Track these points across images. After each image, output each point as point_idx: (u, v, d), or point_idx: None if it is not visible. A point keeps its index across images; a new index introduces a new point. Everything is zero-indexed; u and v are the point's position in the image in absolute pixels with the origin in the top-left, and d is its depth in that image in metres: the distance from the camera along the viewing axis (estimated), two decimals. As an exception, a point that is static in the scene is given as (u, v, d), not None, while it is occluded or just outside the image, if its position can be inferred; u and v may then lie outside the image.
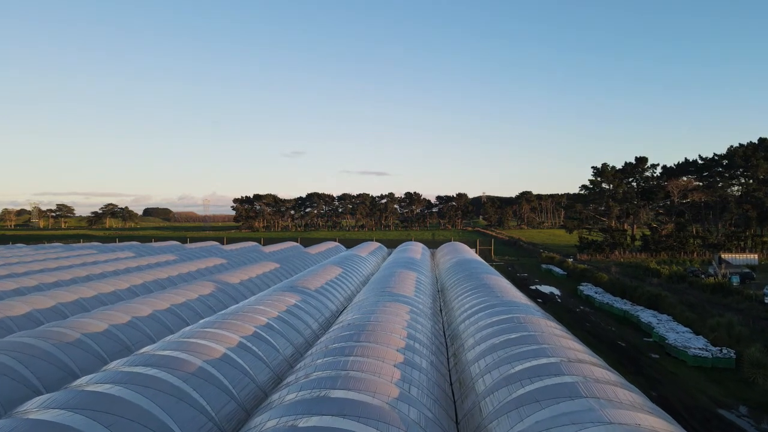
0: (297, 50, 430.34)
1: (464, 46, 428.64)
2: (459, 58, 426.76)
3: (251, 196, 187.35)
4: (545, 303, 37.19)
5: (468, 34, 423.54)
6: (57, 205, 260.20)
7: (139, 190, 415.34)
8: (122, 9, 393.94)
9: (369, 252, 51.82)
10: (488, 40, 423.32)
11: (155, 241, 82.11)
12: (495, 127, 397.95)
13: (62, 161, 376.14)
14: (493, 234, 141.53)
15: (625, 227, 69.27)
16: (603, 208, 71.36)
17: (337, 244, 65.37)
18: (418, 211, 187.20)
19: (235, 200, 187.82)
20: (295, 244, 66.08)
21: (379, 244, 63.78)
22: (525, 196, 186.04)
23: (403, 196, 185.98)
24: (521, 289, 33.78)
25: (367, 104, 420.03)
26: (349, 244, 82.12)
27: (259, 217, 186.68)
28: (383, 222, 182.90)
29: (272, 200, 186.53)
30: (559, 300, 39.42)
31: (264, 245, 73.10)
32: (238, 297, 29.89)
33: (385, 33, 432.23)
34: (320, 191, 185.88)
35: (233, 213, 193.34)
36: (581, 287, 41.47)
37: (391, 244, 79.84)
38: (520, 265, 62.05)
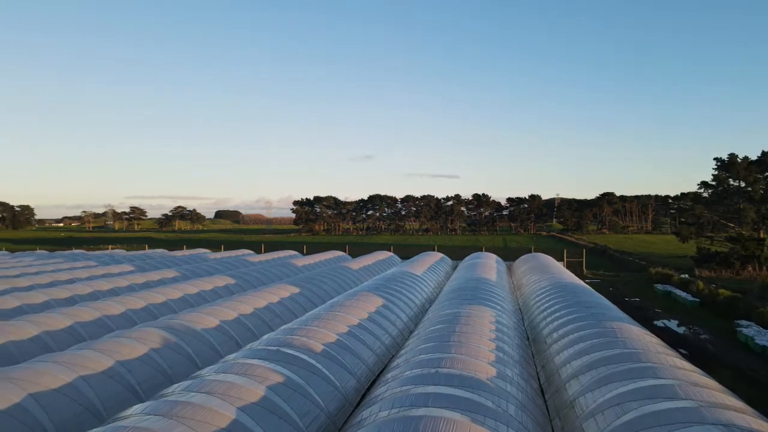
0: (373, 55, 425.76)
1: (531, 39, 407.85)
2: (527, 52, 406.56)
3: (311, 198, 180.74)
4: (694, 358, 23.06)
5: (535, 27, 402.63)
6: (131, 207, 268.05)
7: (218, 193, 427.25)
8: (207, 15, 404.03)
9: (427, 267, 40.34)
10: (555, 30, 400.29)
11: (223, 247, 75.17)
12: (569, 123, 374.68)
13: (152, 166, 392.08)
14: (572, 239, 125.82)
15: (761, 235, 53.63)
16: (730, 211, 55.91)
17: (390, 255, 54.36)
18: (486, 214, 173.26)
19: (295, 202, 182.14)
20: (339, 254, 55.65)
21: (441, 255, 52.13)
22: (607, 197, 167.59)
23: (470, 198, 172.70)
24: (644, 327, 21.14)
25: (438, 106, 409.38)
26: (408, 251, 70.99)
27: (319, 220, 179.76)
28: (449, 225, 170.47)
29: (332, 202, 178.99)
30: (711, 348, 25.41)
31: (306, 254, 63.25)
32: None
33: (452, 34, 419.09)
34: (388, 194, 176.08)
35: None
36: (743, 329, 27.37)
37: (457, 252, 67.96)
38: (622, 283, 48.32)
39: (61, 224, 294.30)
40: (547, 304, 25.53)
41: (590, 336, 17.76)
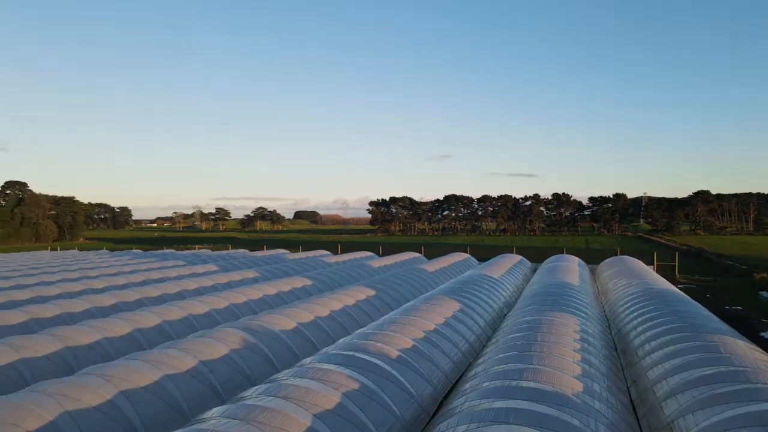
0: (452, 54, 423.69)
1: (616, 29, 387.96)
2: (609, 44, 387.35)
3: (387, 199, 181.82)
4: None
5: (621, 18, 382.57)
6: (216, 208, 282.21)
7: (297, 193, 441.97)
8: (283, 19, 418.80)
9: (505, 270, 39.13)
10: (643, 17, 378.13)
11: (301, 248, 78.04)
12: (656, 116, 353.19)
13: (236, 168, 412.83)
14: (662, 241, 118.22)
15: None
16: None
17: (466, 256, 53.33)
18: (567, 214, 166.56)
19: (371, 203, 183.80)
20: (414, 255, 55.30)
21: (519, 257, 50.49)
22: (701, 196, 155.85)
23: (549, 198, 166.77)
24: (749, 340, 19.10)
25: (516, 104, 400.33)
26: (485, 253, 69.54)
27: (394, 220, 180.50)
28: (527, 226, 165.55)
29: (408, 203, 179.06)
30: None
31: (381, 255, 63.43)
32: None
33: (527, 30, 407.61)
34: (464, 194, 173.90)
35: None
36: None
37: (536, 254, 65.70)
38: (720, 289, 44.57)
39: (155, 224, 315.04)
40: (637, 312, 23.84)
41: (689, 350, 16.27)
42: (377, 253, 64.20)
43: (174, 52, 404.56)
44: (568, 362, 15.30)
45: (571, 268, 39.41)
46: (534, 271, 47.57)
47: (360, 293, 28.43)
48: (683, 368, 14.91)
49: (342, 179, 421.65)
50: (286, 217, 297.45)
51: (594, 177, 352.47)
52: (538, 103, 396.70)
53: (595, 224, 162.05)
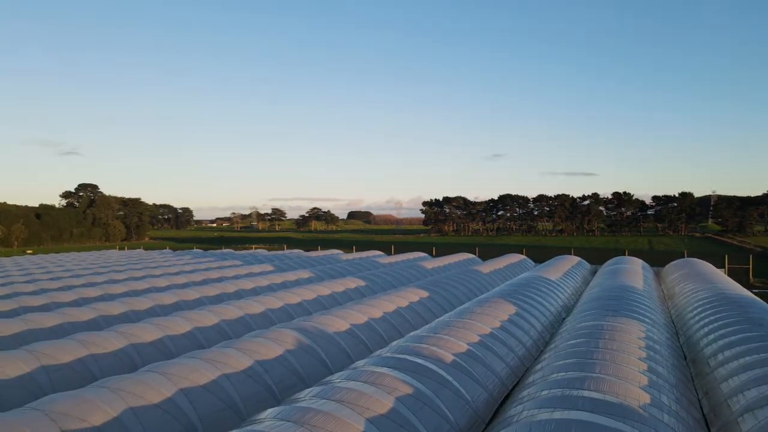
0: (506, 52, 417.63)
1: (683, 21, 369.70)
2: (672, 35, 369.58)
3: (440, 199, 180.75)
4: None
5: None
6: (272, 209, 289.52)
7: (351, 194, 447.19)
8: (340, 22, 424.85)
9: (563, 272, 37.90)
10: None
11: (355, 248, 78.88)
12: (724, 110, 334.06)
13: (292, 169, 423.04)
14: (734, 242, 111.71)
15: None
16: None
17: (522, 258, 52.05)
18: (628, 213, 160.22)
19: (424, 203, 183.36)
20: (469, 256, 54.48)
21: (578, 259, 48.84)
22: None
23: (609, 197, 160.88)
24: None
25: (572, 101, 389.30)
26: (542, 254, 67.78)
27: (448, 221, 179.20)
28: (585, 226, 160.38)
29: (461, 203, 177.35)
30: None
31: (435, 255, 62.90)
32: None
33: (584, 25, 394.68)
34: (520, 193, 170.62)
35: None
36: None
37: (596, 256, 63.44)
38: (800, 295, 41.36)
39: (214, 224, 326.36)
40: (708, 319, 22.43)
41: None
42: (430, 254, 63.75)
43: (232, 57, 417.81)
44: (633, 371, 14.51)
45: (634, 270, 37.69)
46: (593, 273, 45.87)
47: (413, 295, 28.20)
48: (763, 380, 13.83)
49: (395, 179, 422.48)
50: (340, 218, 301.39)
51: (657, 175, 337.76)
52: (597, 99, 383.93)
53: (659, 225, 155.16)
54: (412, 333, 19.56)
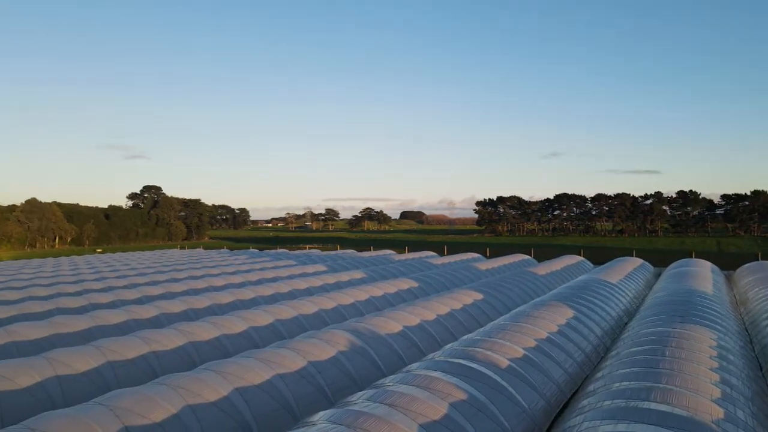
0: (564, 47, 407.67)
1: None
2: (747, 27, 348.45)
3: (494, 199, 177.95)
4: None
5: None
6: (326, 209, 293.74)
7: (404, 194, 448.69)
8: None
9: (624, 275, 36.34)
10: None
11: (407, 249, 79.24)
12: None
13: (345, 170, 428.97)
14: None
15: None
16: None
17: (580, 259, 50.35)
18: (695, 213, 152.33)
19: (478, 203, 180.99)
20: (524, 257, 53.18)
21: (640, 261, 46.79)
22: None
23: (674, 196, 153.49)
24: None
25: (633, 95, 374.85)
26: (601, 255, 65.49)
27: (502, 221, 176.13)
28: (648, 226, 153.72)
29: (516, 202, 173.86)
30: None
31: (489, 256, 61.82)
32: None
33: (647, 19, 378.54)
34: (577, 192, 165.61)
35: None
36: None
37: (659, 258, 60.71)
38: None
39: (270, 224, 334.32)
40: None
41: None
42: (484, 255, 62.77)
43: (287, 61, 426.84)
44: (704, 383, 13.62)
45: (702, 273, 35.68)
46: (657, 276, 43.78)
47: (467, 297, 27.74)
48: None
49: (448, 179, 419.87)
50: (393, 218, 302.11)
51: (727, 172, 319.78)
52: (660, 92, 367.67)
53: (729, 224, 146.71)
54: (465, 336, 19.20)
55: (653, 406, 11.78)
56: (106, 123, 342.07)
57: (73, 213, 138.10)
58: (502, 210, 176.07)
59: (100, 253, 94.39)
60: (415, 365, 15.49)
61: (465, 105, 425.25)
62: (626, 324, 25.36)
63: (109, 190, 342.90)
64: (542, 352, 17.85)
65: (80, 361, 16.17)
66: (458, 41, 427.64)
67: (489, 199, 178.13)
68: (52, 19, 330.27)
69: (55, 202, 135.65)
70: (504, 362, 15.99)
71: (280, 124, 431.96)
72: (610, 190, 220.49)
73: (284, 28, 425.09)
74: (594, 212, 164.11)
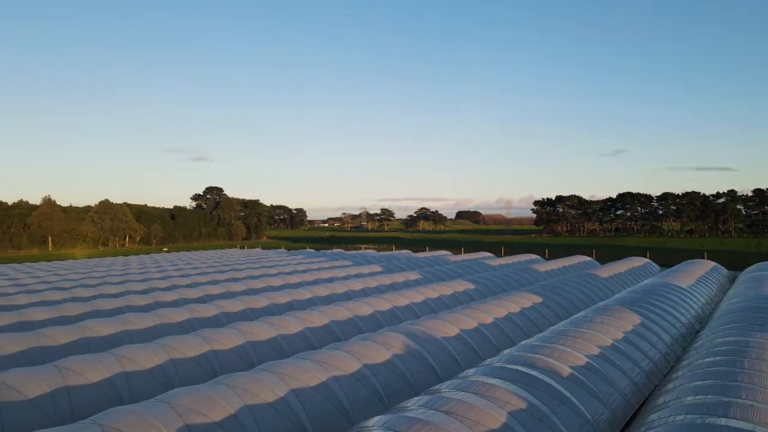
0: (625, 41, 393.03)
1: None
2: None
3: (553, 198, 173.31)
4: None
5: None
6: (381, 209, 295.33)
7: (460, 194, 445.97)
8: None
9: (695, 279, 34.32)
10: None
11: (463, 249, 78.72)
12: None
13: (401, 170, 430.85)
14: None
15: None
16: None
17: (645, 261, 48.08)
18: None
19: (536, 202, 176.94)
20: (585, 259, 51.29)
21: (713, 264, 44.16)
22: None
23: (750, 194, 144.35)
24: None
25: (704, 88, 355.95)
26: (668, 257, 62.48)
27: (561, 221, 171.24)
28: (720, 227, 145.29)
29: (576, 202, 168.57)
30: None
31: (548, 257, 60.07)
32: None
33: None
34: (642, 191, 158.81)
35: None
36: None
37: (733, 260, 57.13)
38: None
39: (326, 224, 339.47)
40: None
41: None
42: (543, 256, 61.06)
43: (342, 63, 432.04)
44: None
45: (783, 278, 33.16)
46: (732, 280, 41.14)
47: (525, 300, 26.96)
48: None
49: (505, 178, 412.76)
50: (448, 217, 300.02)
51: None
52: (733, 84, 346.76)
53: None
54: (524, 341, 18.59)
55: (732, 423, 10.93)
56: (172, 127, 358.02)
57: (142, 213, 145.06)
58: (561, 210, 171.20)
59: (166, 252, 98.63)
60: (471, 371, 15.10)
61: (523, 102, 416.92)
62: (698, 332, 23.91)
63: (174, 191, 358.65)
64: (607, 360, 17.03)
65: (145, 359, 16.76)
66: (515, 36, 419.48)
67: (547, 198, 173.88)
68: (121, 29, 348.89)
69: (125, 203, 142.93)
70: (566, 370, 15.34)
71: (337, 125, 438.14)
72: (677, 189, 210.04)
73: (338, 31, 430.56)
74: (660, 212, 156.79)
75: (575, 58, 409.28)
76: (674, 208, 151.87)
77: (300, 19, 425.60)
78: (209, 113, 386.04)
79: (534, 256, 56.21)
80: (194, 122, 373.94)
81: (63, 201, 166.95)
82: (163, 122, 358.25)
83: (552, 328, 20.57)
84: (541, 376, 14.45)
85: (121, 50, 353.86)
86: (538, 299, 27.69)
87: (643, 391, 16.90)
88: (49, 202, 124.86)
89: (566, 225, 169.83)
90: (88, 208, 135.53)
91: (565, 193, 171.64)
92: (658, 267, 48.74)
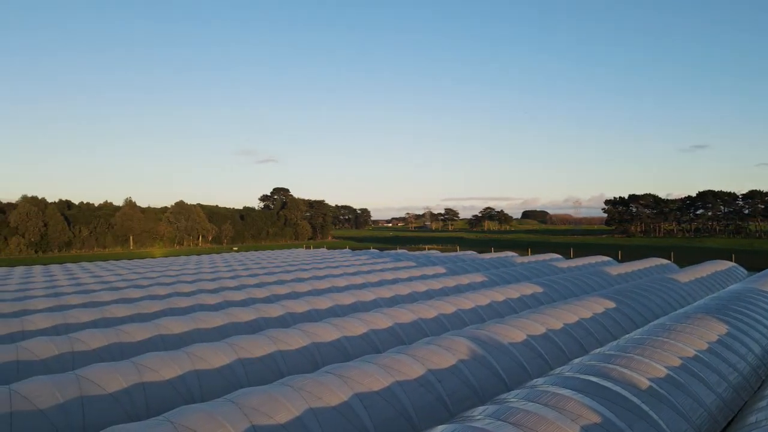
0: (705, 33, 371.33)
1: None
2: None
3: (626, 197, 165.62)
4: None
5: None
6: (445, 209, 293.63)
7: (526, 193, 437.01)
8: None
9: (788, 284, 31.54)
10: None
11: (530, 250, 77.01)
12: None
13: (465, 169, 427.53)
14: None
15: None
16: None
17: (731, 265, 44.83)
18: None
19: (607, 202, 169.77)
20: (662, 261, 48.41)
21: (808, 268, 40.42)
22: None
23: None
24: None
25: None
26: (756, 260, 58.17)
27: (635, 221, 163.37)
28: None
29: (651, 201, 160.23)
30: None
31: (621, 260, 57.26)
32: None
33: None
34: (725, 189, 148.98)
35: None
36: None
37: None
38: None
39: (390, 224, 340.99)
40: None
41: None
42: (615, 258, 58.34)
43: (408, 63, 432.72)
44: None
45: None
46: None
47: (597, 305, 25.72)
48: None
49: (574, 177, 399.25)
50: (514, 217, 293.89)
51: None
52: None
53: None
54: (597, 350, 17.67)
55: (840, 450, 9.80)
56: (242, 131, 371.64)
57: (213, 214, 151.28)
58: (634, 209, 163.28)
59: (235, 251, 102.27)
60: (541, 380, 14.48)
61: (593, 96, 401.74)
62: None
63: (243, 192, 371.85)
64: (689, 373, 15.87)
65: (215, 358, 17.24)
66: (589, 27, 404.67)
67: (620, 197, 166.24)
68: (194, 37, 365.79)
69: (198, 203, 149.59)
70: (644, 382, 14.40)
71: (401, 125, 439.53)
72: (765, 186, 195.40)
73: (406, 32, 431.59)
74: (747, 211, 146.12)
75: (652, 46, 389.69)
76: (762, 207, 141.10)
77: (364, 22, 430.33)
78: (276, 116, 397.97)
79: (606, 258, 53.75)
80: (262, 126, 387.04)
81: (142, 202, 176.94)
82: (233, 126, 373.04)
83: (627, 336, 19.46)
84: (617, 388, 13.63)
85: (201, 56, 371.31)
86: (611, 304, 26.35)
87: (731, 407, 15.61)
88: (130, 204, 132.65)
89: (640, 225, 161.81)
90: (164, 209, 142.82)
91: (639, 192, 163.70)
92: (745, 271, 45.30)
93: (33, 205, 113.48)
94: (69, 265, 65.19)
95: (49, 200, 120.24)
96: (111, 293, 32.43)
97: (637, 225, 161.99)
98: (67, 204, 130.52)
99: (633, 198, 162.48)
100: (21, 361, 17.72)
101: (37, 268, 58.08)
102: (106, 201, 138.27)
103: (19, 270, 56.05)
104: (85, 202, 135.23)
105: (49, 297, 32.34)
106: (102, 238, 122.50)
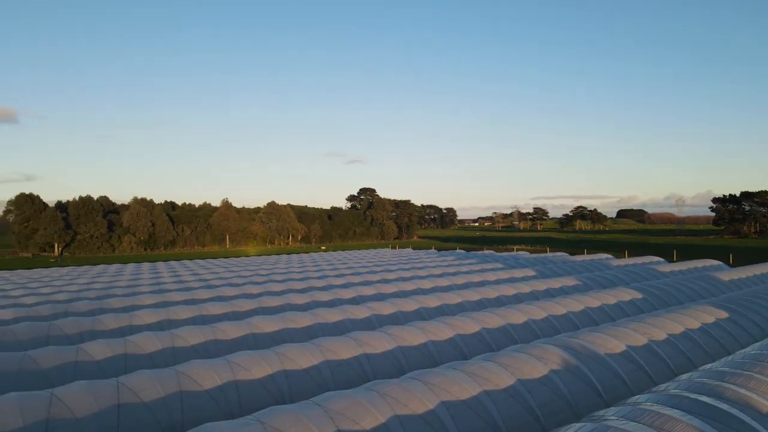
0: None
1: None
2: None
3: (737, 195, 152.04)
4: None
5: None
6: (534, 208, 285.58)
7: (623, 191, 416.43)
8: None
9: None
10: None
11: (627, 252, 73.44)
12: None
13: (556, 167, 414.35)
14: None
15: None
16: None
17: None
18: None
19: (715, 200, 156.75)
20: (783, 267, 43.63)
21: None
22: None
23: None
24: None
25: None
26: None
27: (748, 220, 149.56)
28: None
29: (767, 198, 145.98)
30: None
31: (733, 264, 52.31)
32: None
33: None
34: None
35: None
36: None
37: None
38: None
39: (476, 224, 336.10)
40: None
41: None
42: (726, 262, 53.46)
43: (496, 61, 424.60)
44: None
45: None
46: None
47: (706, 314, 23.54)
48: None
49: (676, 173, 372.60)
50: (608, 216, 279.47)
51: None
52: None
53: None
54: (707, 366, 16.09)
55: None
56: (329, 133, 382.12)
57: (303, 214, 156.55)
58: (748, 207, 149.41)
59: (323, 250, 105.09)
60: (643, 397, 13.36)
61: (694, 86, 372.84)
62: None
63: (331, 192, 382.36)
64: (821, 397, 13.98)
65: (303, 358, 17.56)
66: (688, 22, 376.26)
67: (730, 194, 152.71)
68: (288, 43, 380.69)
69: (289, 204, 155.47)
70: (765, 405, 12.88)
71: (489, 122, 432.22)
72: None
73: (493, 29, 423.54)
74: None
75: (758, 33, 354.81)
76: None
77: (442, 24, 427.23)
78: (363, 118, 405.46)
79: (714, 262, 49.33)
80: (349, 127, 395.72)
81: (237, 202, 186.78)
82: (323, 129, 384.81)
83: (743, 351, 17.57)
84: (733, 411, 12.27)
85: (294, 61, 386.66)
86: (723, 314, 24.01)
87: None
88: (226, 204, 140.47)
89: (755, 225, 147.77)
90: (257, 209, 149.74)
91: (753, 189, 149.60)
92: None
93: (142, 206, 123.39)
94: (172, 262, 70.15)
95: (156, 201, 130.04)
96: (208, 291, 34.26)
97: (750, 225, 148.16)
98: (171, 205, 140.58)
99: (746, 195, 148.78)
100: (129, 354, 19.05)
101: (145, 265, 63.07)
102: (205, 202, 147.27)
103: (130, 267, 61.08)
104: (187, 203, 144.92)
105: (154, 293, 34.81)
106: (202, 237, 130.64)
